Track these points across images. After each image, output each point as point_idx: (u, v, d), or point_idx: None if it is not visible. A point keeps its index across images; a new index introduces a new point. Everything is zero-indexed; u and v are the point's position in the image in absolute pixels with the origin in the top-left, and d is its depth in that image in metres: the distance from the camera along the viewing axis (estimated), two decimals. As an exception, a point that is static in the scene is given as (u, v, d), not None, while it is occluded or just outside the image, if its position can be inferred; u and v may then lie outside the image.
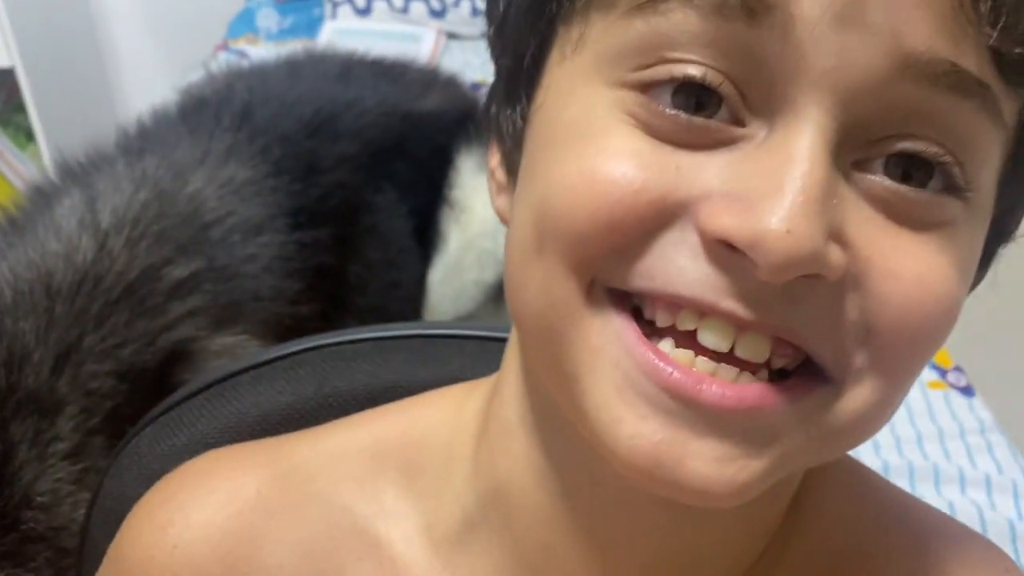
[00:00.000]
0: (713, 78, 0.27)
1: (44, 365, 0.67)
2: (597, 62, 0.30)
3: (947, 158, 0.28)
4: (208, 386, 0.54)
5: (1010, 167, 0.30)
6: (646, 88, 0.28)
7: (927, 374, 1.10)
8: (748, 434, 0.28)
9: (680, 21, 0.27)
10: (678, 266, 0.28)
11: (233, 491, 0.39)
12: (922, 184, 0.28)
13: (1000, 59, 0.27)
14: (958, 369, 1.12)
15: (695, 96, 0.28)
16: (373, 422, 0.42)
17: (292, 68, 1.00)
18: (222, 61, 1.80)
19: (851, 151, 0.28)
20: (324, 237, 0.85)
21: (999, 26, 0.26)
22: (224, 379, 0.55)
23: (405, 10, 2.07)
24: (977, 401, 1.08)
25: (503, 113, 0.35)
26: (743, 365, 0.29)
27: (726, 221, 0.27)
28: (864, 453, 1.01)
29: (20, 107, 2.30)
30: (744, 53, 0.27)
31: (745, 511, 0.31)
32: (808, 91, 0.27)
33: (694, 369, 0.28)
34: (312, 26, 2.08)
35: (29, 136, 2.38)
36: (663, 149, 0.28)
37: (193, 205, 0.79)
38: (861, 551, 0.40)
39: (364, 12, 2.09)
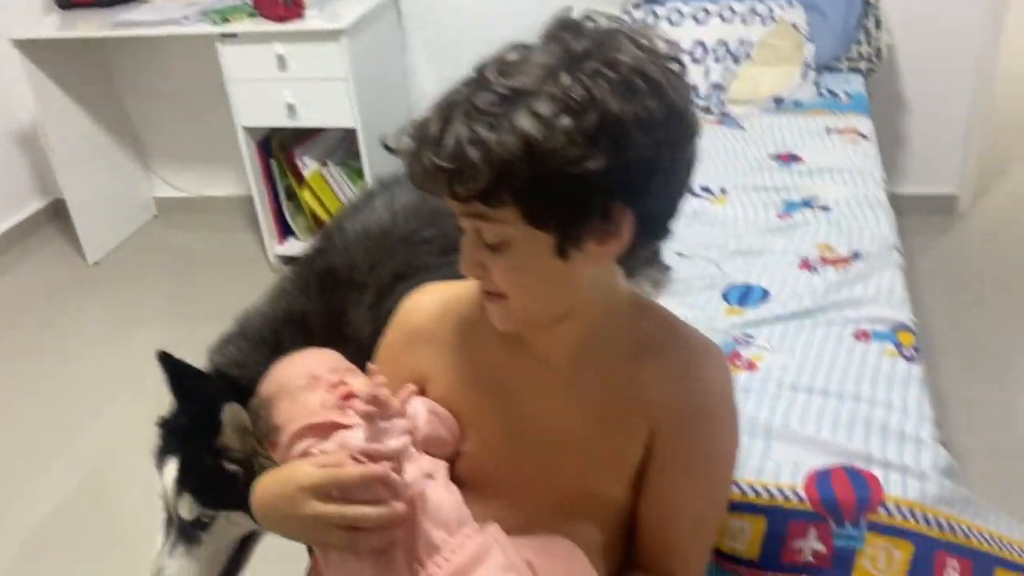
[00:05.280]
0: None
1: (364, 269, 1.49)
2: None
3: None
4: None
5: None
6: None
7: (887, 346, 1.63)
8: None
9: None
10: None
11: (441, 299, 1.11)
12: None
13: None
14: (916, 348, 1.62)
15: None
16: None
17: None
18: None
19: None
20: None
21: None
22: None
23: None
24: (915, 364, 1.56)
25: None
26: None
27: None
28: (817, 380, 1.57)
29: (356, 154, 3.32)
30: None
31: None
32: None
33: None
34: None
35: (359, 174, 3.39)
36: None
37: (433, 207, 1.59)
38: (645, 336, 1.03)
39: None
